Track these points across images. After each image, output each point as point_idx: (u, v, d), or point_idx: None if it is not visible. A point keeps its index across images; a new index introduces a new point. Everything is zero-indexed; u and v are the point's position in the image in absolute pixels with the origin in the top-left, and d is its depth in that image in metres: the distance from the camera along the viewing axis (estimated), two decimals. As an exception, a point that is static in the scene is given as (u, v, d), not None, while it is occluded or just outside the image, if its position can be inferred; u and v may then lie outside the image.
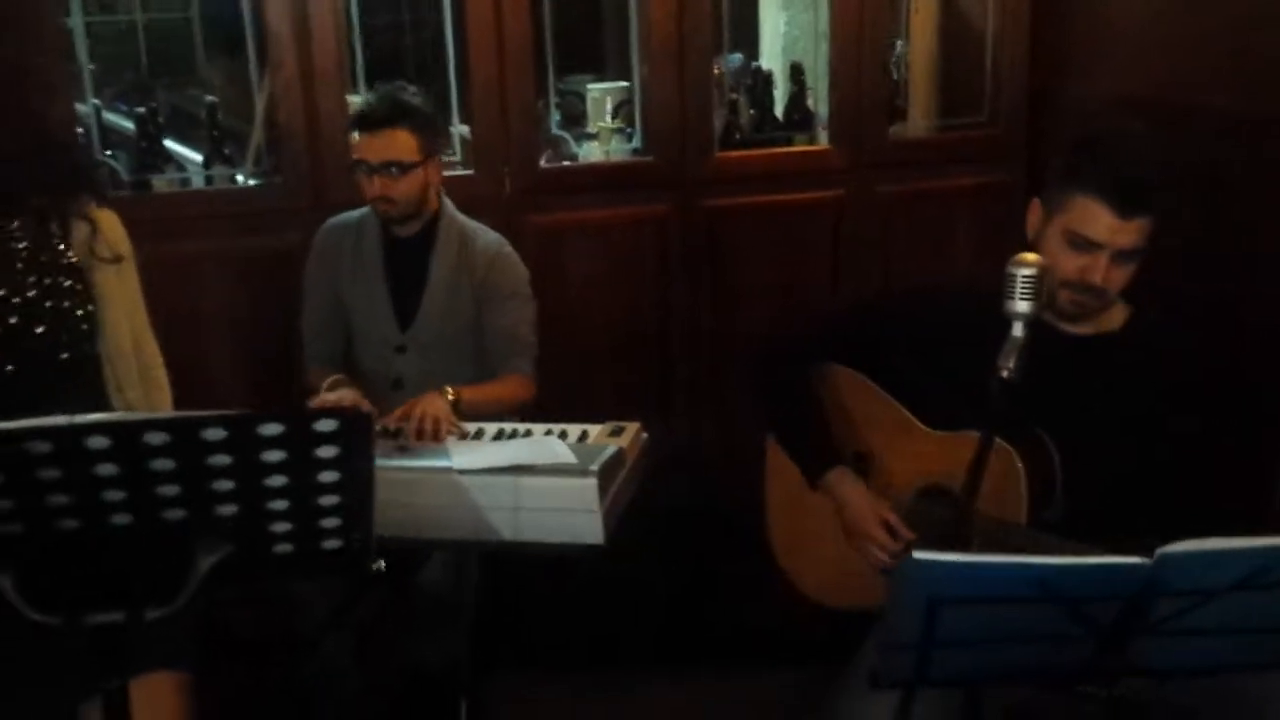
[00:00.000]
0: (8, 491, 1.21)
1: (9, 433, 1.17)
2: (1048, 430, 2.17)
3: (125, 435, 1.19)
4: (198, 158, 3.59)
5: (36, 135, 1.87)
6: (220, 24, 3.95)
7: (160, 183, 3.47)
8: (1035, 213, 2.23)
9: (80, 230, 1.90)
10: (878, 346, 2.41)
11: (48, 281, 1.86)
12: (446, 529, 2.24)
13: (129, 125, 3.68)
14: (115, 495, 1.23)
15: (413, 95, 2.92)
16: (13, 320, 1.81)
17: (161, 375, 2.02)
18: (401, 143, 2.81)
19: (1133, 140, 2.29)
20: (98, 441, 1.18)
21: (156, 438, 1.19)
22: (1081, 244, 2.12)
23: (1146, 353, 2.21)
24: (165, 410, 1.98)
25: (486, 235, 3.02)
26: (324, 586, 2.77)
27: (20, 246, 1.85)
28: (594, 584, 3.03)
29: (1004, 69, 3.89)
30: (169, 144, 3.62)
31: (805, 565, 2.52)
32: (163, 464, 1.22)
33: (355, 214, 3.04)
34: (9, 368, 1.80)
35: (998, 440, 2.08)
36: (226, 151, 3.52)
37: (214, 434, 1.21)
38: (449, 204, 3.00)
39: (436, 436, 2.48)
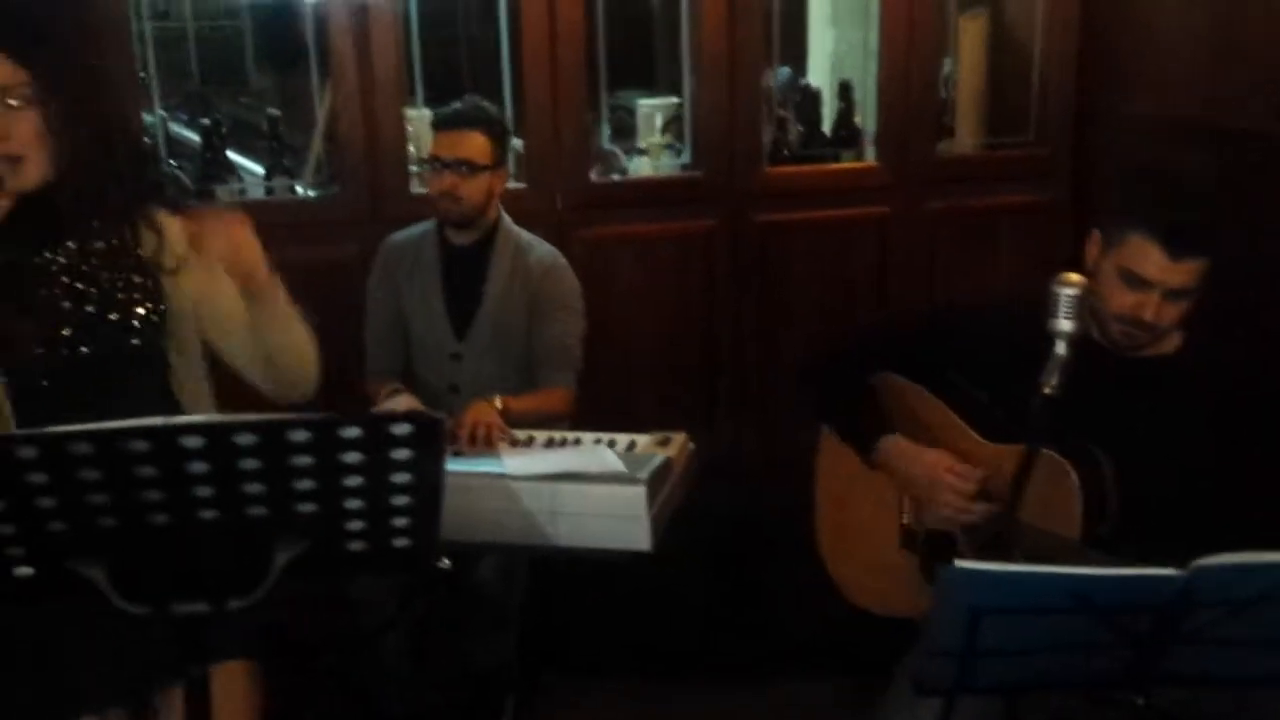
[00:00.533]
0: (105, 487, 1.29)
1: (109, 432, 1.25)
2: (1103, 447, 2.18)
3: (218, 435, 1.26)
4: (257, 168, 3.68)
5: (122, 142, 1.97)
6: (272, 34, 4.06)
7: (222, 193, 3.56)
8: (1095, 244, 2.24)
9: (149, 237, 1.98)
10: (935, 357, 2.43)
11: (121, 276, 1.95)
12: (498, 533, 2.29)
13: (191, 135, 3.79)
14: (205, 492, 1.31)
15: (493, 109, 3.07)
16: (89, 308, 1.91)
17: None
18: (476, 144, 2.94)
19: (1187, 179, 2.31)
20: (192, 441, 1.26)
21: (246, 438, 1.27)
22: (1134, 281, 2.14)
23: (1201, 374, 2.23)
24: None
25: (542, 247, 3.10)
26: (381, 586, 2.86)
27: (98, 244, 1.95)
28: (639, 591, 3.09)
29: (1051, 88, 3.93)
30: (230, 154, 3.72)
31: (853, 571, 2.55)
32: (250, 463, 1.29)
33: (416, 229, 3.13)
34: (84, 350, 1.90)
35: (1053, 455, 2.12)
36: (287, 163, 3.61)
37: (298, 435, 1.29)
38: (506, 217, 3.08)
39: (489, 441, 2.56)
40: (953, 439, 2.37)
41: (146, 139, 3.37)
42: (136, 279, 1.97)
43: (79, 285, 1.92)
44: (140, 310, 1.96)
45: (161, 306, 1.99)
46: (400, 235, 3.15)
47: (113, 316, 1.94)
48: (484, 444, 2.56)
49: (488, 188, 2.98)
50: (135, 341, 1.95)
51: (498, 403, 2.73)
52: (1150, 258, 2.11)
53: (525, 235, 3.10)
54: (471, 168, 2.93)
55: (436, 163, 2.96)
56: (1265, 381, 2.29)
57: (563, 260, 3.10)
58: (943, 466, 2.30)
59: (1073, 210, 3.89)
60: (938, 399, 2.42)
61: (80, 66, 1.92)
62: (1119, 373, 2.25)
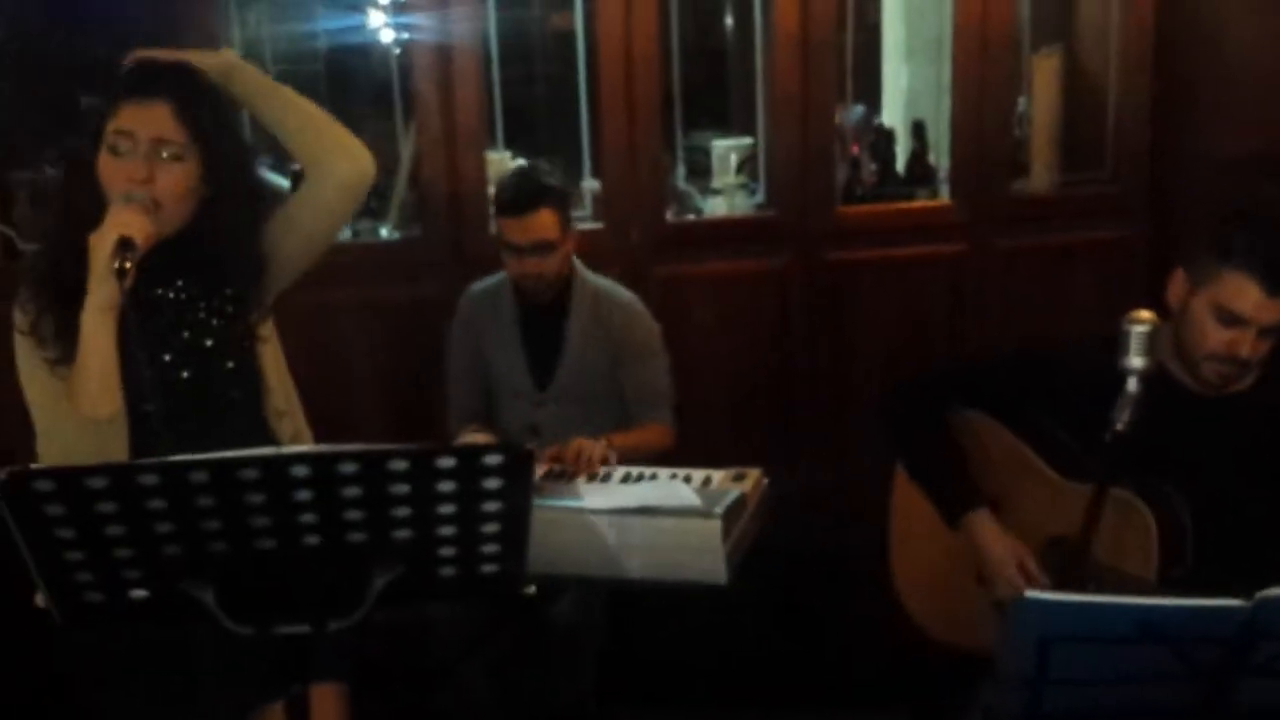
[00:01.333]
0: (218, 513, 1.38)
1: (225, 460, 1.34)
2: (1179, 487, 2.20)
3: (323, 464, 1.35)
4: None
5: (249, 201, 2.10)
6: (352, 77, 4.18)
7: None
8: (1178, 283, 2.26)
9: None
10: (1014, 394, 2.46)
11: (215, 304, 2.07)
12: (577, 566, 2.34)
13: (282, 180, 3.92)
14: (309, 518, 1.39)
15: (548, 174, 3.08)
16: (185, 334, 2.03)
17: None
18: (546, 223, 2.95)
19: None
20: (300, 469, 1.34)
21: (349, 467, 1.35)
22: (1229, 319, 2.15)
23: (1272, 412, 2.24)
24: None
25: (619, 293, 3.15)
26: (460, 616, 2.93)
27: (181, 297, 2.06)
28: (712, 624, 3.13)
29: (1126, 125, 3.93)
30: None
31: (928, 604, 2.57)
32: (352, 491, 1.37)
33: (493, 280, 3.18)
34: (185, 374, 2.01)
35: (1130, 496, 2.15)
36: (371, 205, 3.72)
37: (397, 465, 1.36)
38: (579, 265, 3.13)
39: (593, 464, 2.64)
40: (1030, 477, 2.40)
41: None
42: (229, 308, 2.08)
43: (183, 315, 2.03)
44: (236, 338, 2.08)
45: (256, 336, 2.10)
46: (479, 286, 3.21)
47: (208, 343, 2.05)
48: (587, 466, 2.64)
49: (566, 256, 3.03)
50: (230, 365, 2.06)
51: (604, 440, 2.78)
52: (1248, 295, 2.13)
53: (601, 281, 3.15)
54: (547, 247, 2.96)
55: (511, 249, 2.99)
56: None
57: (639, 304, 3.15)
58: (1015, 563, 2.33)
59: (1149, 248, 3.89)
60: (1016, 437, 2.45)
61: (229, 135, 2.07)
62: (1194, 411, 2.26)
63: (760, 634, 3.44)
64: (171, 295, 2.05)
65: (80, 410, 1.90)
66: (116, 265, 1.84)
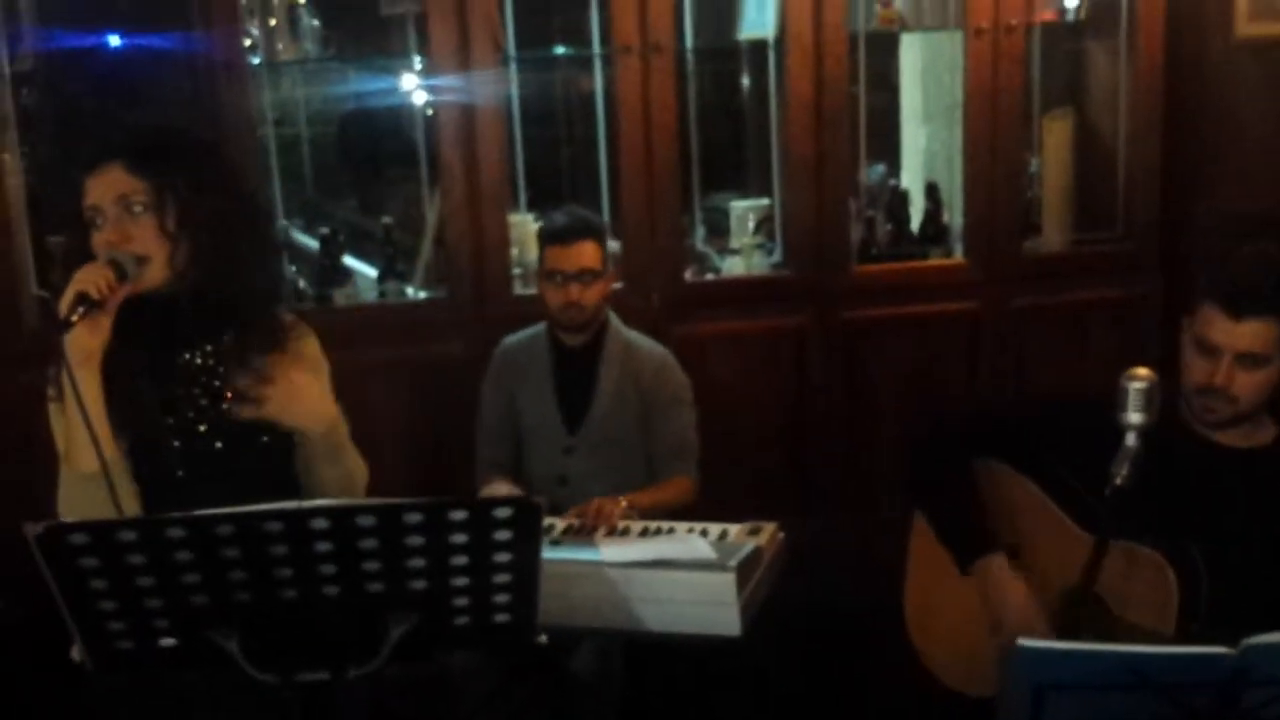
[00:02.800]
0: (242, 565, 1.44)
1: (249, 514, 1.41)
2: (1196, 540, 2.22)
3: (341, 517, 1.41)
4: (370, 271, 3.89)
5: (249, 247, 2.14)
6: (381, 140, 4.28)
7: (339, 296, 3.76)
8: (1182, 330, 2.33)
9: (266, 339, 2.15)
10: (1034, 444, 2.49)
11: (249, 373, 2.08)
12: (594, 618, 2.39)
13: (308, 241, 4.02)
14: (328, 569, 1.46)
15: (590, 212, 3.24)
16: (224, 406, 2.08)
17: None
18: (591, 252, 3.08)
19: (1252, 250, 2.39)
20: (319, 522, 1.41)
21: (366, 519, 1.42)
22: (1205, 349, 2.23)
23: None
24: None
25: (651, 346, 3.23)
26: (479, 668, 2.97)
27: (228, 342, 2.11)
28: (731, 677, 3.15)
29: (1137, 184, 4.00)
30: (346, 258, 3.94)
31: (941, 650, 2.58)
32: (369, 543, 1.44)
33: (528, 332, 3.27)
34: (218, 445, 2.07)
35: (1149, 550, 2.18)
36: (399, 267, 3.82)
37: (413, 518, 1.43)
38: (614, 317, 3.22)
39: (609, 518, 2.72)
40: (1051, 527, 2.42)
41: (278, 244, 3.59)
42: (219, 386, 2.11)
43: (215, 383, 2.09)
44: (223, 421, 2.10)
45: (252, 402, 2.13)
46: (514, 339, 3.29)
47: (200, 428, 2.09)
48: (605, 520, 2.71)
49: (605, 290, 3.14)
50: (265, 439, 2.10)
51: (623, 501, 2.84)
52: (1215, 323, 2.21)
53: (633, 334, 3.23)
54: (592, 275, 3.08)
55: (558, 276, 3.08)
56: None
57: (671, 358, 3.22)
58: (1024, 617, 2.34)
59: (1163, 305, 3.93)
60: (1037, 486, 2.47)
61: (196, 177, 2.09)
62: (1214, 464, 2.29)
63: (777, 686, 3.46)
64: (199, 361, 2.11)
65: (68, 464, 1.98)
66: (67, 317, 1.90)
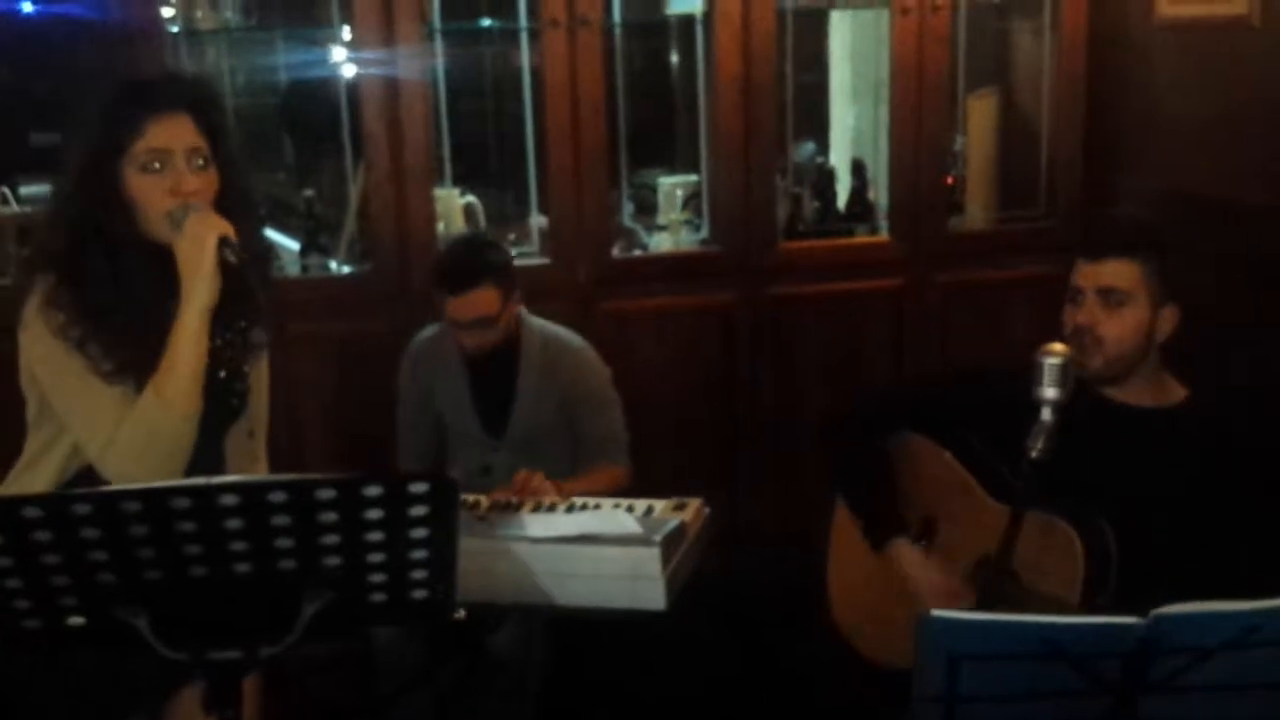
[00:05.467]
0: (150, 542, 1.42)
1: (155, 490, 1.38)
2: (1107, 505, 2.27)
3: (252, 493, 1.39)
4: (293, 245, 3.83)
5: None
6: (307, 114, 4.22)
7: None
8: None
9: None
10: (951, 417, 2.55)
11: (229, 335, 2.11)
12: (517, 594, 2.38)
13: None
14: (240, 546, 1.43)
15: (489, 245, 3.09)
16: (221, 372, 2.06)
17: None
18: (486, 300, 2.95)
19: (1120, 212, 2.48)
20: (229, 499, 1.39)
21: (278, 496, 1.39)
22: (1072, 296, 2.38)
23: (1203, 428, 2.33)
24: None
25: (569, 340, 3.16)
26: (401, 647, 2.96)
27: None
28: (657, 657, 3.17)
29: (1059, 164, 4.05)
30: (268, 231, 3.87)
31: (860, 620, 2.64)
32: (281, 519, 1.41)
33: (437, 329, 3.19)
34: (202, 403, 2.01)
35: (1059, 521, 2.23)
36: (322, 241, 3.77)
37: (325, 494, 1.41)
38: (526, 314, 3.12)
39: (537, 491, 2.71)
40: (965, 497, 2.47)
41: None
42: (239, 339, 2.12)
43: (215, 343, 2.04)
44: (242, 370, 2.12)
45: (247, 369, 2.15)
46: (423, 336, 3.22)
47: (220, 374, 2.08)
48: (532, 493, 2.70)
49: (508, 324, 3.02)
50: (234, 402, 2.10)
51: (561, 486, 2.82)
52: (1077, 269, 2.37)
53: (547, 327, 3.15)
54: (488, 322, 2.97)
55: (456, 325, 2.98)
56: (1269, 436, 2.37)
57: (589, 351, 3.17)
58: (942, 596, 2.38)
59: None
60: (953, 457, 2.53)
61: (235, 142, 2.11)
62: (1121, 427, 2.34)
63: (702, 664, 3.49)
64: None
65: (173, 410, 1.93)
66: (225, 261, 1.90)
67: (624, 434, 3.15)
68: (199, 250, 1.92)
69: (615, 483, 3.06)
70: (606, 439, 3.13)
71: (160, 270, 1.98)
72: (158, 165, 1.98)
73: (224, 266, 1.92)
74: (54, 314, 1.97)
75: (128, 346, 1.96)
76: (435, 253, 3.66)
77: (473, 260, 2.99)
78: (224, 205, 2.03)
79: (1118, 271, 2.31)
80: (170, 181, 1.98)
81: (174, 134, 1.99)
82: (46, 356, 1.98)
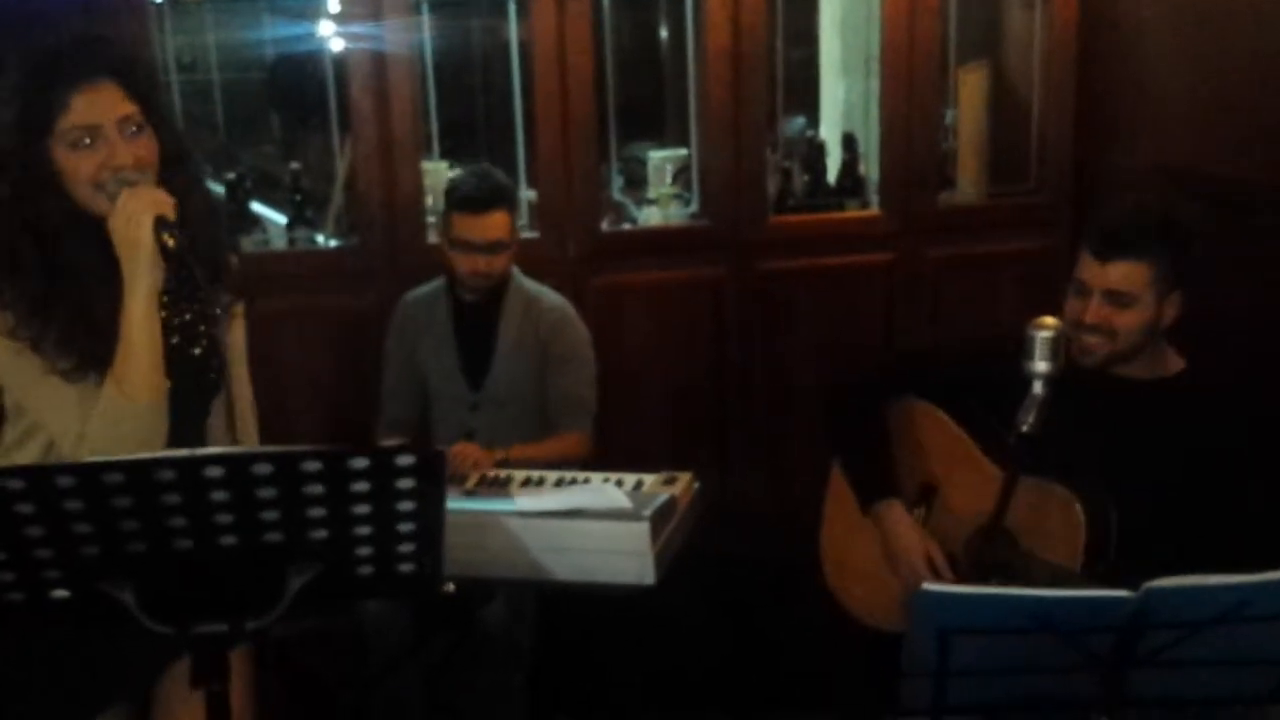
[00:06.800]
0: (135, 514, 1.40)
1: (139, 461, 1.36)
2: (1106, 474, 2.28)
3: (238, 465, 1.37)
4: (279, 218, 3.81)
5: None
6: (293, 86, 4.19)
7: (246, 243, 3.66)
8: None
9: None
10: (953, 380, 2.55)
11: (202, 310, 2.02)
12: (506, 569, 2.38)
13: (218, 188, 3.92)
14: (225, 519, 1.42)
15: (501, 176, 3.14)
16: (174, 340, 1.98)
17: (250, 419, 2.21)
18: (502, 223, 3.03)
19: (1129, 198, 2.46)
20: (214, 471, 1.37)
21: (263, 468, 1.38)
22: (1078, 289, 2.33)
23: (1200, 400, 2.33)
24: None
25: (550, 298, 3.20)
26: (391, 624, 2.95)
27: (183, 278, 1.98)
28: (649, 633, 3.17)
29: (1050, 139, 4.04)
30: (253, 205, 3.85)
31: (852, 583, 2.65)
32: (267, 492, 1.40)
33: (426, 288, 3.24)
34: (168, 384, 1.95)
35: (1060, 488, 2.24)
36: (308, 215, 3.74)
37: (311, 466, 1.39)
38: (515, 271, 3.18)
39: (474, 467, 2.73)
40: (966, 463, 2.48)
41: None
42: (215, 311, 2.05)
43: (169, 318, 1.98)
44: (218, 345, 2.05)
45: (220, 336, 2.08)
46: (414, 294, 3.26)
47: (195, 351, 2.02)
48: (471, 469, 2.71)
49: (513, 257, 3.11)
50: (212, 376, 2.04)
51: (500, 453, 2.86)
52: (1086, 265, 2.32)
53: (533, 286, 3.21)
54: (502, 246, 3.04)
55: (466, 246, 3.04)
56: (1267, 406, 2.38)
57: (571, 310, 3.21)
58: (921, 555, 2.43)
59: (1071, 257, 3.97)
60: (954, 421, 2.53)
61: (166, 107, 2.02)
62: (1120, 398, 2.35)
63: (698, 640, 3.49)
64: (173, 298, 2.00)
65: (136, 398, 1.86)
66: (163, 245, 1.82)
67: (591, 399, 3.17)
68: (135, 230, 1.83)
69: (572, 449, 3.08)
70: (572, 399, 3.15)
71: (102, 250, 1.90)
72: (88, 140, 1.88)
73: (164, 249, 1.83)
74: (2, 315, 1.89)
75: (83, 338, 1.89)
76: (423, 227, 3.66)
77: (492, 184, 3.07)
78: (163, 169, 1.95)
79: (1127, 274, 2.29)
80: (103, 155, 1.89)
81: (102, 105, 1.89)
82: (4, 364, 1.91)
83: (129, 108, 1.91)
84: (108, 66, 1.92)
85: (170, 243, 1.83)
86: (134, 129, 1.92)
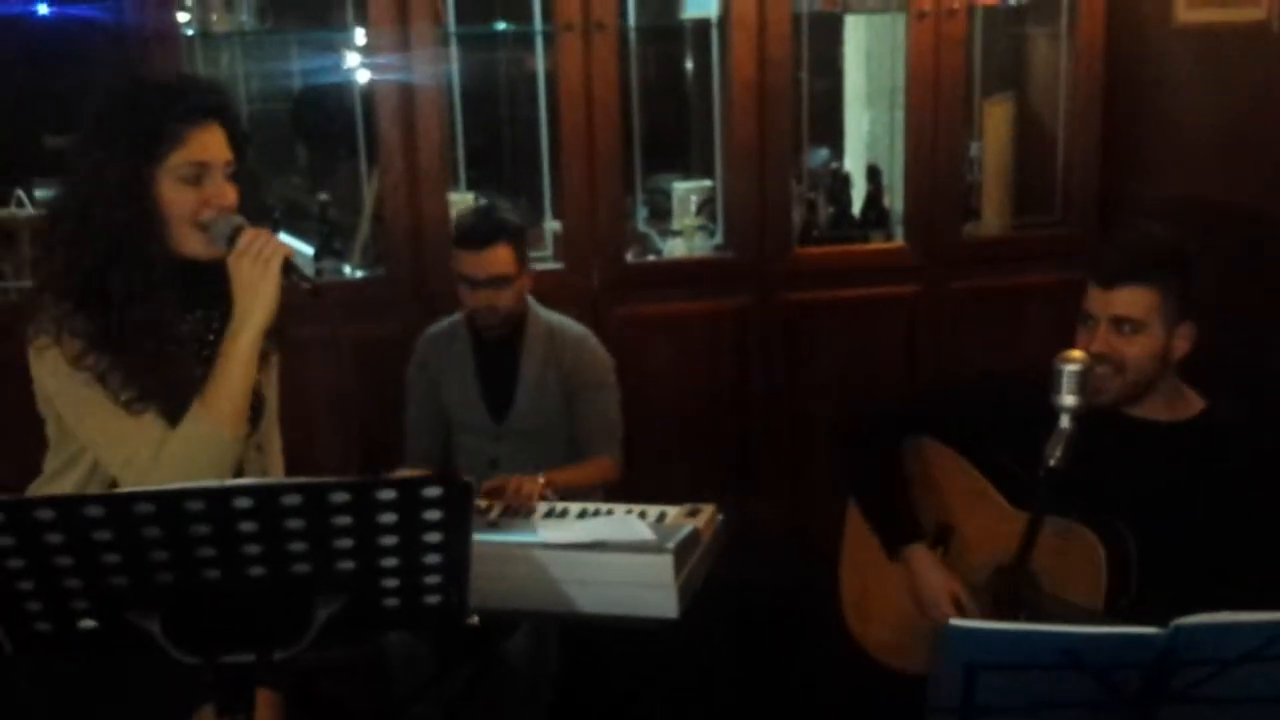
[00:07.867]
0: (163, 544, 1.41)
1: (169, 492, 1.37)
2: (1125, 516, 2.26)
3: (266, 496, 1.38)
4: (307, 249, 3.82)
5: None
6: (322, 120, 4.23)
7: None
8: None
9: None
10: (969, 423, 2.53)
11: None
12: (529, 601, 2.37)
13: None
14: (253, 550, 1.43)
15: (507, 210, 3.14)
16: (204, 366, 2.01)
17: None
18: (502, 258, 3.02)
19: (1133, 226, 2.44)
20: (243, 502, 1.38)
21: (291, 499, 1.39)
22: (1085, 319, 2.32)
23: (1221, 441, 2.31)
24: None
25: (571, 328, 3.21)
26: (414, 654, 2.95)
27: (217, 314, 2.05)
28: (670, 662, 3.15)
29: (1076, 170, 4.03)
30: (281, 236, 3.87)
31: (872, 625, 2.63)
32: (295, 523, 1.41)
33: (444, 323, 3.26)
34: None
35: (1080, 528, 2.22)
36: (336, 245, 3.76)
37: (339, 497, 1.40)
38: (533, 302, 3.18)
39: (527, 498, 2.71)
40: (983, 505, 2.46)
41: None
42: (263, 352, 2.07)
43: (205, 353, 2.01)
44: (259, 389, 2.07)
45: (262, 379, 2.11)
46: (433, 330, 3.27)
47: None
48: (522, 500, 2.70)
49: (520, 292, 3.09)
50: (252, 416, 2.04)
51: (541, 478, 2.84)
52: (1091, 294, 2.30)
53: (553, 316, 3.21)
54: (504, 280, 3.03)
55: (469, 282, 3.05)
56: None
57: (593, 338, 3.22)
58: (948, 597, 2.41)
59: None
60: (969, 464, 2.51)
61: (252, 161, 2.09)
62: (1140, 440, 2.33)
63: (714, 669, 3.47)
64: (187, 328, 2.04)
65: (222, 429, 1.90)
66: (304, 286, 1.92)
67: (618, 424, 3.17)
68: (263, 270, 1.90)
69: (604, 474, 3.08)
70: (600, 426, 3.15)
71: (182, 287, 1.96)
72: (197, 177, 1.95)
73: (309, 291, 1.92)
74: (70, 342, 1.91)
75: (150, 371, 1.91)
76: (450, 257, 3.67)
77: (491, 220, 3.07)
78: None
79: (1132, 300, 2.26)
80: (208, 193, 1.95)
81: (214, 146, 1.96)
82: (63, 390, 1.92)
83: (230, 154, 1.98)
84: (217, 109, 1.99)
85: (305, 285, 1.93)
86: (231, 175, 1.98)
